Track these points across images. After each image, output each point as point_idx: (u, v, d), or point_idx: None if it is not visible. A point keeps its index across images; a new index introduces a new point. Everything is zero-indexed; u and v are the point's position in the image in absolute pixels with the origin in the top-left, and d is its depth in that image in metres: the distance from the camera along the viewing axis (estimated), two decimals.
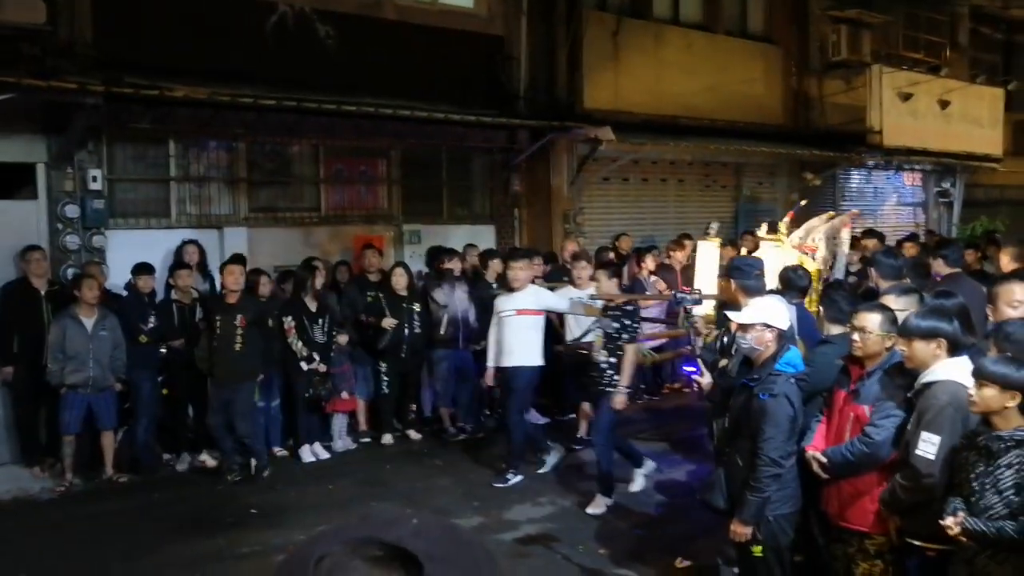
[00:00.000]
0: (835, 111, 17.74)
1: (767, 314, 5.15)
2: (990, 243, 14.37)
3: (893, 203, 20.60)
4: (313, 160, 11.89)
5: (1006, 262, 9.81)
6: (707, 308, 8.23)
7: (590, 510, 7.85)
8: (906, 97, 18.00)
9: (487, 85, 12.66)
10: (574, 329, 9.15)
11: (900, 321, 5.13)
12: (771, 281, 8.00)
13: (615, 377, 7.78)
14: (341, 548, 1.17)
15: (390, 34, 11.65)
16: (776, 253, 8.61)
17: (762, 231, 9.43)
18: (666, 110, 14.67)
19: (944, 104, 18.98)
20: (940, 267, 7.88)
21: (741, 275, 6.17)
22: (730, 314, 5.80)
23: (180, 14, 10.09)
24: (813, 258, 8.48)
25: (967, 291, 6.90)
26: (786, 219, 9.25)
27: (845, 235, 9.09)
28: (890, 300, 5.58)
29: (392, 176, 12.56)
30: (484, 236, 13.00)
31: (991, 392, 4.10)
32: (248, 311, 8.72)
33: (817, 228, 8.97)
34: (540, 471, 8.93)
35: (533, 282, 8.98)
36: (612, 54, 14.10)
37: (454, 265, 10.42)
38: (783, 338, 5.18)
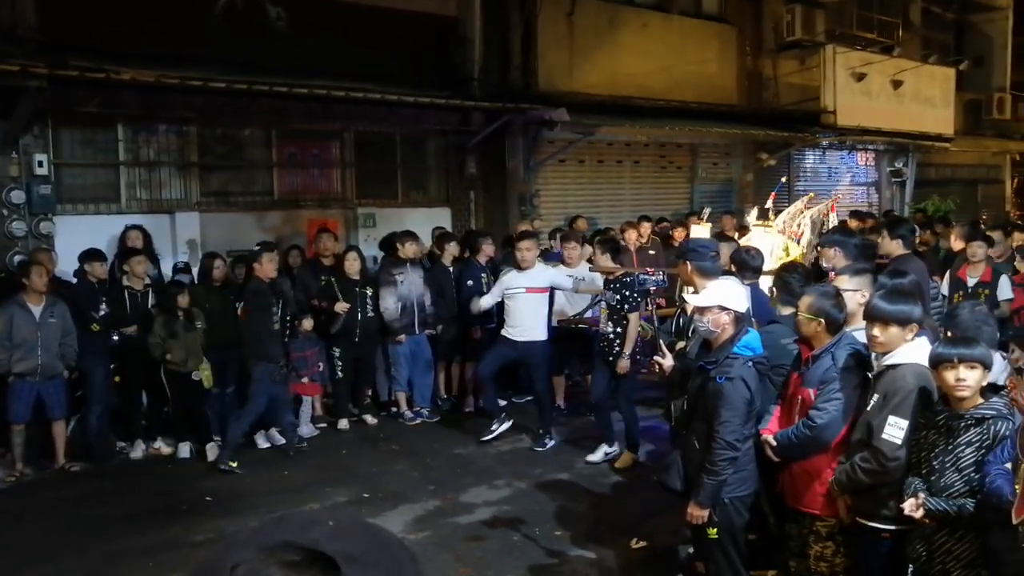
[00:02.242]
0: (789, 91, 17.84)
1: (724, 296, 5.14)
2: (940, 223, 14.66)
3: (847, 183, 20.76)
4: (265, 144, 11.77)
5: (954, 240, 10.05)
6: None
7: (618, 464, 8.49)
8: (859, 77, 18.14)
9: (441, 67, 12.58)
10: (565, 306, 9.90)
11: (853, 302, 5.17)
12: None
13: (620, 346, 8.29)
14: (256, 555, 1.13)
15: (343, 15, 11.53)
16: (767, 239, 8.65)
17: (752, 217, 9.49)
18: (621, 91, 14.67)
19: (897, 84, 19.18)
20: (895, 248, 7.93)
21: (697, 257, 6.13)
22: (687, 296, 5.80)
23: None
24: (798, 243, 8.54)
25: (915, 271, 6.98)
26: (769, 202, 9.28)
27: (833, 220, 9.15)
28: (843, 281, 5.57)
29: (346, 159, 12.47)
30: (440, 219, 12.94)
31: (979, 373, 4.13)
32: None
33: (801, 212, 9.02)
34: (483, 439, 9.26)
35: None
36: (567, 35, 14.07)
37: (414, 249, 10.33)
38: (741, 321, 5.17)
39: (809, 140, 17.88)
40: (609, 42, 14.70)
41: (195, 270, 9.95)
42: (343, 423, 9.98)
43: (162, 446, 9.17)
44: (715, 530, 5.09)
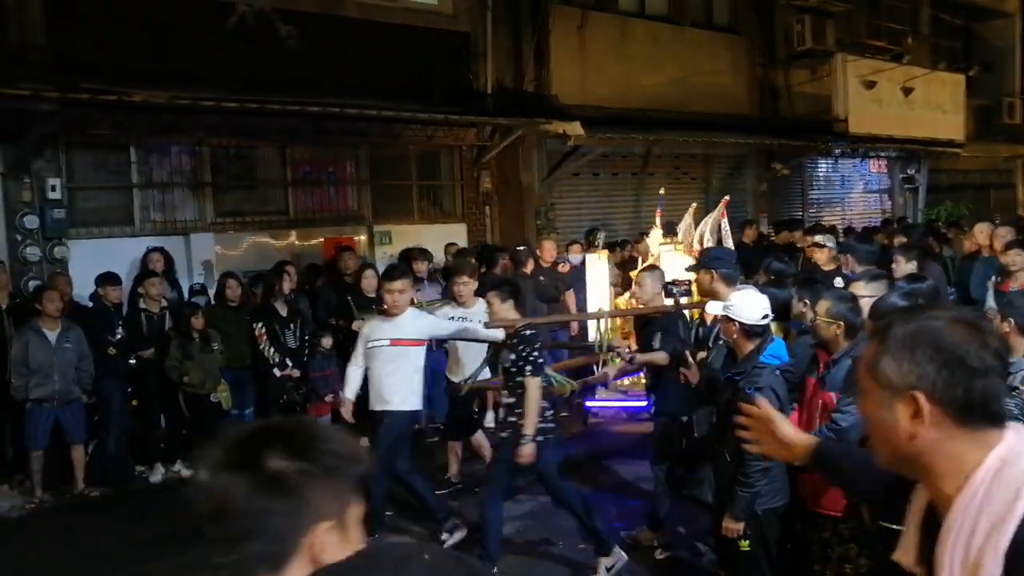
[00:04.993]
0: (801, 100, 17.84)
1: (736, 307, 5.08)
2: (952, 227, 14.58)
3: (860, 191, 20.81)
4: (279, 163, 11.72)
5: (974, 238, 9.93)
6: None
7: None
8: (870, 85, 18.11)
9: (454, 82, 12.56)
10: (464, 361, 8.01)
11: (869, 307, 5.13)
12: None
13: (518, 423, 6.29)
14: None
15: (353, 33, 11.50)
16: (676, 259, 8.52)
17: (654, 237, 9.40)
18: (634, 103, 14.64)
19: (907, 91, 19.13)
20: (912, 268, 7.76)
21: (722, 264, 6.16)
22: (709, 306, 5.77)
23: (136, 16, 9.87)
24: None
25: (933, 276, 6.93)
26: (656, 218, 9.14)
27: (725, 225, 9.04)
28: (859, 287, 5.61)
29: (360, 177, 12.42)
30: (456, 235, 12.89)
31: None
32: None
33: (693, 227, 8.89)
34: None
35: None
36: (579, 48, 14.06)
37: (420, 267, 10.29)
38: (766, 330, 5.10)
39: (822, 149, 17.86)
40: (621, 55, 14.69)
41: (211, 291, 9.91)
42: (363, 440, 9.87)
43: (181, 469, 9.09)
44: (747, 543, 5.01)
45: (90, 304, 9.15)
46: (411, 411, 7.18)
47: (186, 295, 9.94)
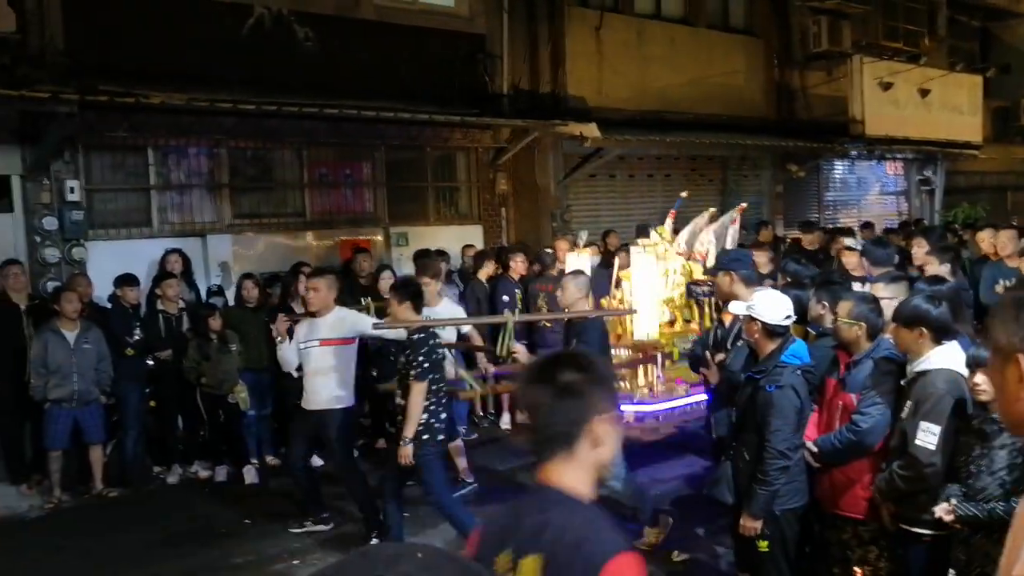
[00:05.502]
0: (817, 102, 17.83)
1: (758, 307, 5.07)
2: (968, 229, 14.50)
3: (876, 192, 20.73)
4: (296, 164, 11.74)
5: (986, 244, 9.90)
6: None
7: None
8: (887, 87, 18.05)
9: (470, 84, 12.58)
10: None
11: (890, 309, 5.11)
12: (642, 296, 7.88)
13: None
14: None
15: (370, 35, 11.54)
16: (649, 262, 8.42)
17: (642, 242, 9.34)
18: (650, 105, 14.65)
19: (924, 92, 19.05)
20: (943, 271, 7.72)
21: (741, 265, 6.18)
22: (732, 306, 5.78)
23: (154, 19, 9.93)
24: (704, 265, 8.34)
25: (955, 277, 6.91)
26: (668, 220, 9.12)
27: (732, 232, 9.00)
28: (879, 288, 5.65)
29: (377, 178, 12.45)
30: (472, 236, 12.90)
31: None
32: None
33: (703, 229, 8.85)
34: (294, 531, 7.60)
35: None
36: (595, 50, 14.06)
37: (439, 269, 10.30)
38: (786, 331, 5.10)
39: (838, 151, 17.84)
40: (637, 56, 14.70)
41: (229, 292, 9.94)
42: (380, 442, 9.89)
43: (199, 470, 9.12)
44: (766, 543, 5.00)
45: (108, 305, 9.19)
46: (346, 408, 7.26)
47: (204, 296, 9.99)
